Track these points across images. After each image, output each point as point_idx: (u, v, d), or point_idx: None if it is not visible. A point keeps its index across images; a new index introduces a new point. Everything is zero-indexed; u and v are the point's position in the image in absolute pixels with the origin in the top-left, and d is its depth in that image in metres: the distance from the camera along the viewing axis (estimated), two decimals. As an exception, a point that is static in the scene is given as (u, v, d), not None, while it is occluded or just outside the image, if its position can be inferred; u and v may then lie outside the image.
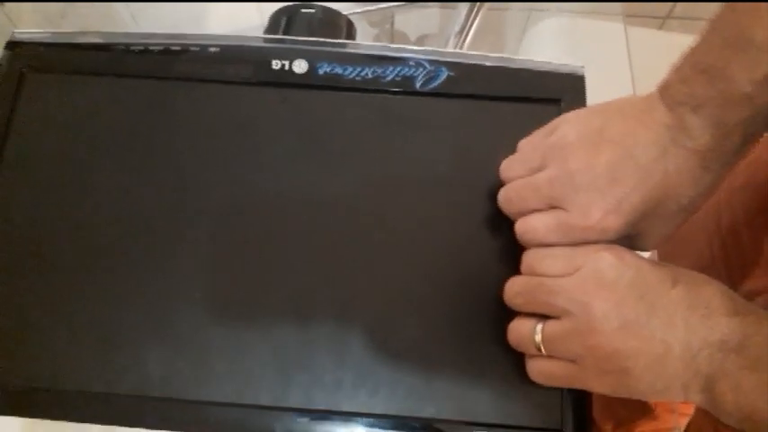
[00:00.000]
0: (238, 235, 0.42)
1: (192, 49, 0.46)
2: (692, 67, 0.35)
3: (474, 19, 0.94)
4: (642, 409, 0.76)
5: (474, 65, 0.47)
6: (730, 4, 0.34)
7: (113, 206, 0.42)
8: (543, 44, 1.01)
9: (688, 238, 0.56)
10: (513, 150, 0.42)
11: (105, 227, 0.42)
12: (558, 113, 0.42)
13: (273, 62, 0.46)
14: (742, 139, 0.34)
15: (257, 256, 0.42)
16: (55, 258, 0.41)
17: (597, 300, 0.34)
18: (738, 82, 0.33)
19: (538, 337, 0.36)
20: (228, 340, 0.40)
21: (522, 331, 0.37)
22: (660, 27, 1.18)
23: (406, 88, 0.46)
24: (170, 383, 0.39)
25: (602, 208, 0.36)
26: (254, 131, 0.45)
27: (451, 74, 0.46)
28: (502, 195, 0.40)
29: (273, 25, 0.55)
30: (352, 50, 0.47)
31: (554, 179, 0.37)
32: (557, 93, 0.46)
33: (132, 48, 0.46)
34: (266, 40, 0.48)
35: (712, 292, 0.34)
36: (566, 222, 0.37)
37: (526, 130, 0.42)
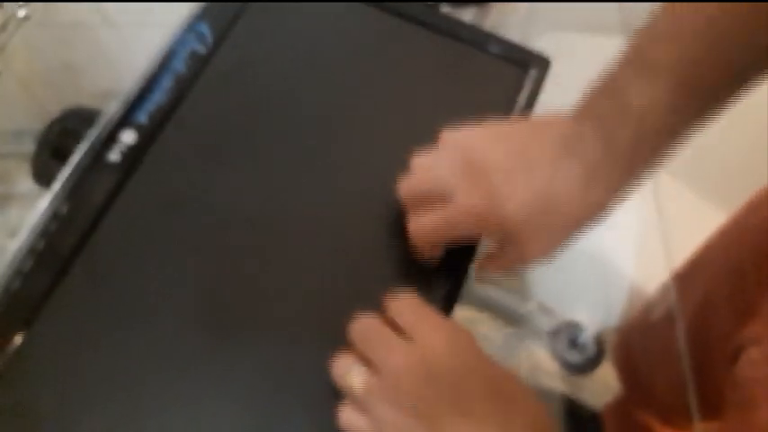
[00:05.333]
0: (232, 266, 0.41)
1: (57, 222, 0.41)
2: (600, 84, 0.37)
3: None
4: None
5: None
6: (638, 28, 0.36)
7: None
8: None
9: (696, 269, 0.53)
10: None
11: None
12: None
13: (109, 156, 0.43)
14: (628, 162, 0.35)
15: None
16: None
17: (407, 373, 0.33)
18: (632, 100, 0.34)
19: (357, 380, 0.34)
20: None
21: (342, 367, 0.35)
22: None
23: (199, 61, 0.46)
24: None
25: (480, 196, 0.37)
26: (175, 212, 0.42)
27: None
28: (402, 186, 0.40)
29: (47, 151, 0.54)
30: (135, 90, 0.45)
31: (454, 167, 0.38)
32: None
33: None
34: (81, 160, 0.43)
35: None
36: (449, 209, 0.37)
37: None
